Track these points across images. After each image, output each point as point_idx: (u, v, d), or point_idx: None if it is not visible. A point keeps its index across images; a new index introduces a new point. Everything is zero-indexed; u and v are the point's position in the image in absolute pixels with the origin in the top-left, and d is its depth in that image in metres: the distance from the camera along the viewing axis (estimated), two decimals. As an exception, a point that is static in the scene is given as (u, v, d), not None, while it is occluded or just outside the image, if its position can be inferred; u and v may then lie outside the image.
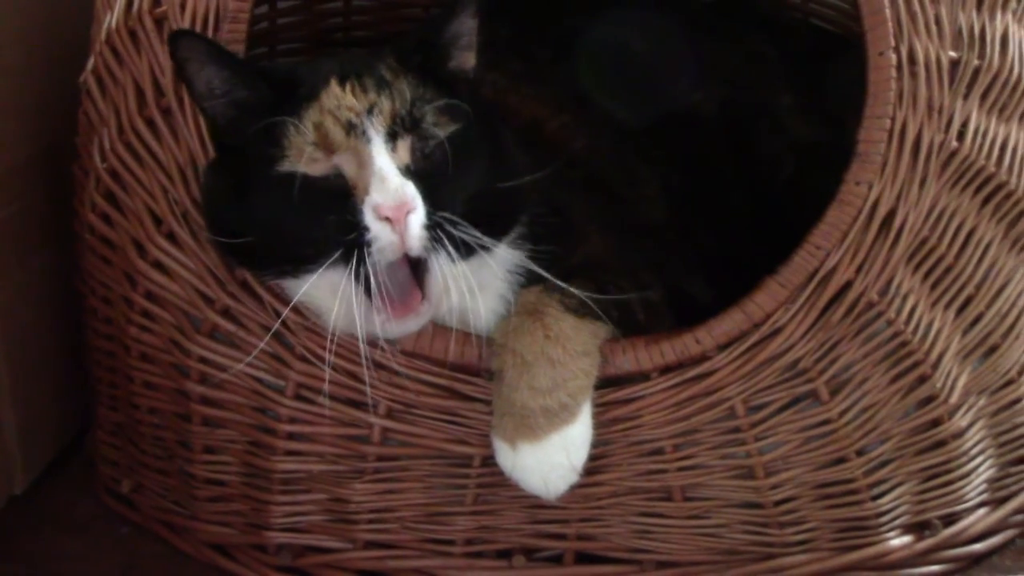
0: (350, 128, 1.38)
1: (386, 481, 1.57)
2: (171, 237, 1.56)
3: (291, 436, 1.57)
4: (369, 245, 1.37)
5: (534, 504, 1.55)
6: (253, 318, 1.52)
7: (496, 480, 1.53)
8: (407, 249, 1.37)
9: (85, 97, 1.65)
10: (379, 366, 1.52)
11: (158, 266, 1.57)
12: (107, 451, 1.77)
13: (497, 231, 1.45)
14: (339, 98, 1.40)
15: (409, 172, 1.39)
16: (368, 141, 1.38)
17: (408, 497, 1.57)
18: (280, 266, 1.44)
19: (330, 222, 1.38)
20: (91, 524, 1.75)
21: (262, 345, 1.52)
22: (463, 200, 1.41)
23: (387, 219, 1.36)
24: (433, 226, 1.38)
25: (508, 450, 1.48)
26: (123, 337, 1.64)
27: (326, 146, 1.38)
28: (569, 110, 1.72)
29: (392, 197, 1.36)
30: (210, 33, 1.52)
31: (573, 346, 1.48)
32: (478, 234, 1.40)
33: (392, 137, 1.39)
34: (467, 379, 1.52)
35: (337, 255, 1.38)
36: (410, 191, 1.37)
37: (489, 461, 1.52)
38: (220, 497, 1.63)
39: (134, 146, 1.57)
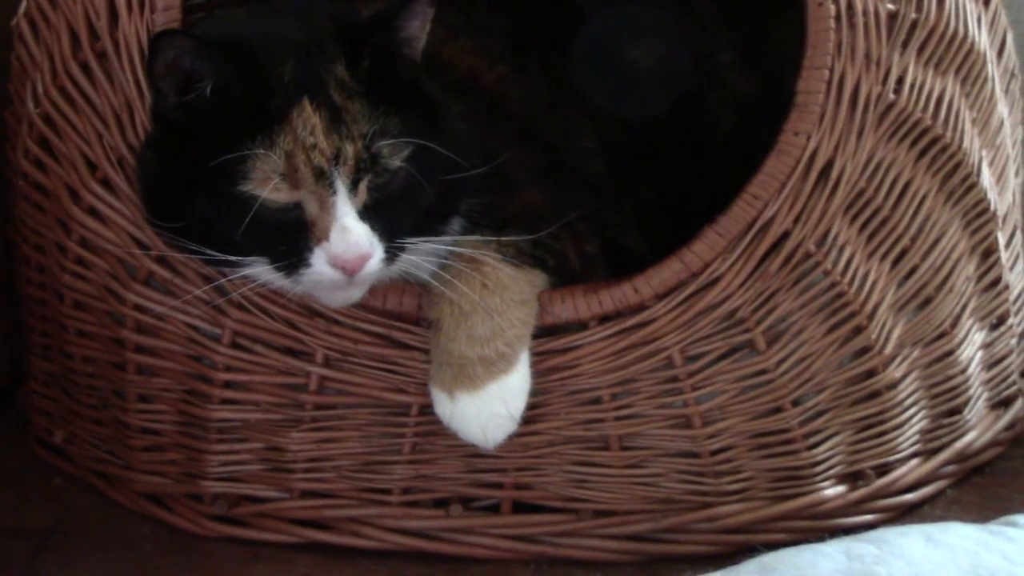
0: (320, 175, 1.36)
1: (323, 430, 1.56)
2: (106, 183, 1.54)
3: (227, 384, 1.56)
4: (313, 275, 1.37)
5: (471, 453, 1.55)
6: (190, 265, 1.51)
7: (433, 429, 1.53)
8: (353, 284, 1.39)
9: (17, 41, 1.63)
10: (316, 314, 1.51)
11: (92, 213, 1.55)
12: (40, 401, 1.75)
13: (446, 215, 1.47)
14: (312, 130, 1.36)
15: (367, 211, 1.38)
16: (334, 192, 1.36)
17: (345, 446, 1.57)
18: (214, 264, 1.42)
19: (280, 251, 1.38)
20: (24, 475, 1.74)
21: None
22: (418, 215, 1.42)
23: (342, 267, 1.37)
24: (388, 256, 1.39)
25: (446, 399, 1.48)
26: (57, 285, 1.62)
27: (293, 182, 1.36)
28: (506, 61, 1.71)
29: (352, 249, 1.36)
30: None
31: (510, 295, 1.48)
32: (429, 238, 1.43)
33: (355, 184, 1.37)
34: (405, 327, 1.51)
35: (277, 265, 1.38)
36: (369, 241, 1.37)
37: (427, 410, 1.52)
38: (155, 447, 1.62)
39: (68, 91, 1.55)
